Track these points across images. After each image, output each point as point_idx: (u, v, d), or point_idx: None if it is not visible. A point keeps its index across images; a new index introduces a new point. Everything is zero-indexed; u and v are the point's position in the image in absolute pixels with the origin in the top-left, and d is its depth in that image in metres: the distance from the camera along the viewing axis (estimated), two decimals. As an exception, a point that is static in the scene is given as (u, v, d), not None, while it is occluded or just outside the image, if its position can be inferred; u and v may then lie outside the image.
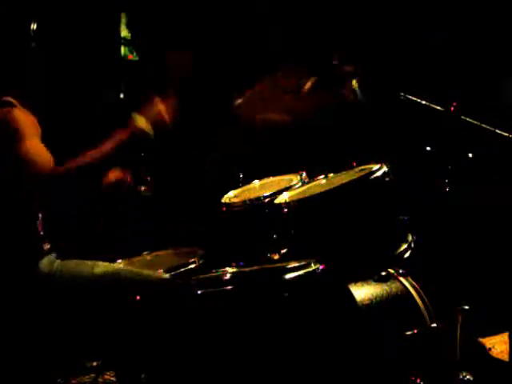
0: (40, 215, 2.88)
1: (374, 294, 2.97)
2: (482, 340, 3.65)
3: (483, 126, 3.13)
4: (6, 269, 2.73)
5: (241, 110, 3.75)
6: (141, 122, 2.81)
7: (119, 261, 3.35)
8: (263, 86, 3.82)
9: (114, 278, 2.81)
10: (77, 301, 2.75)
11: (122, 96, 5.26)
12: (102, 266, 2.88)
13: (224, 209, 3.40)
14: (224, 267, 2.86)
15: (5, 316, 2.71)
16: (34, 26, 2.84)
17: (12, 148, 2.68)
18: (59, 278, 2.77)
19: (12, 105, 2.78)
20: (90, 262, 2.89)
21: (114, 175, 3.12)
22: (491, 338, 3.67)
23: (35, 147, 2.72)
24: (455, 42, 4.66)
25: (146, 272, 2.86)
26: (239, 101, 3.73)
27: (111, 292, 2.76)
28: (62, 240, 2.95)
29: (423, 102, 3.25)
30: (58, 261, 2.83)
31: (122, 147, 2.79)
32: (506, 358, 3.45)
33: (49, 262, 2.80)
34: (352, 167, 3.34)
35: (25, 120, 2.76)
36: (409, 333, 2.93)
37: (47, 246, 2.83)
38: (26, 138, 2.70)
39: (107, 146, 2.79)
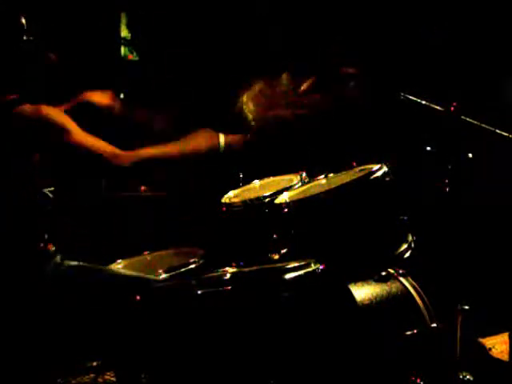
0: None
1: (374, 294, 2.97)
2: (481, 340, 3.65)
3: (483, 125, 3.13)
4: (9, 271, 2.73)
5: (245, 110, 3.75)
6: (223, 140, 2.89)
7: (119, 261, 3.35)
8: (262, 86, 3.82)
9: (118, 284, 2.82)
10: (78, 304, 2.75)
11: (122, 96, 5.26)
12: (106, 272, 2.89)
13: (224, 209, 3.40)
14: (224, 267, 2.86)
15: (7, 317, 2.71)
16: (24, 24, 2.84)
17: (60, 142, 2.74)
18: (63, 283, 2.78)
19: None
20: (95, 268, 2.90)
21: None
22: (491, 338, 3.67)
23: (84, 136, 2.78)
24: (455, 42, 4.66)
25: (148, 276, 2.87)
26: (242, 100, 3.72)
27: (113, 297, 2.76)
28: (66, 241, 2.96)
29: (423, 102, 3.25)
30: (63, 265, 2.83)
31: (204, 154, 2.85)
32: (506, 357, 3.45)
33: (54, 266, 2.80)
34: (352, 167, 3.34)
35: (58, 113, 2.81)
36: (409, 333, 2.93)
37: (52, 248, 2.83)
38: (70, 130, 2.76)
39: (182, 146, 2.86)
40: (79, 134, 2.78)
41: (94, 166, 2.81)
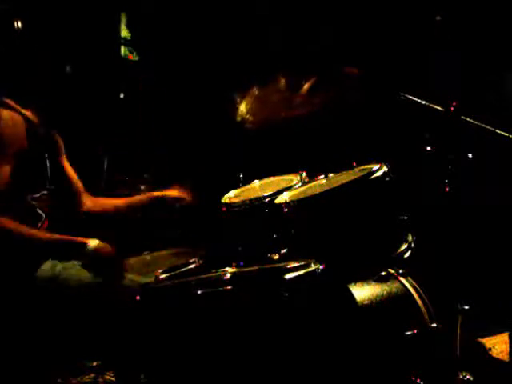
0: (43, 214, 2.88)
1: (374, 294, 2.97)
2: (481, 340, 3.65)
3: (483, 125, 3.13)
4: (7, 271, 2.73)
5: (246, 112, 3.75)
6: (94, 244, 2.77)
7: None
8: (264, 88, 3.83)
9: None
10: (78, 304, 2.75)
11: (121, 96, 5.26)
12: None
13: (224, 209, 3.40)
14: (224, 267, 2.86)
15: (6, 317, 2.71)
16: (19, 25, 2.82)
17: None
18: (61, 283, 2.78)
19: (3, 104, 2.74)
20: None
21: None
22: (491, 338, 3.67)
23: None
24: (455, 41, 4.66)
25: (145, 278, 2.87)
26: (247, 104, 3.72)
27: (112, 295, 2.76)
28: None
29: (423, 102, 3.25)
30: (60, 265, 2.83)
31: (56, 248, 2.76)
32: (506, 358, 3.46)
33: (51, 266, 2.80)
34: (352, 167, 3.34)
35: (4, 130, 2.70)
36: (409, 333, 2.93)
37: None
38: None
39: (46, 237, 2.75)
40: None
41: None
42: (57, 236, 2.76)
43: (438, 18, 4.69)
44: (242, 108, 3.79)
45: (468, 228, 3.49)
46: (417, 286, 3.09)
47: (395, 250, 3.05)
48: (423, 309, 3.02)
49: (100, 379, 3.31)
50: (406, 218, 3.11)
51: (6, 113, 2.73)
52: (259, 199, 3.30)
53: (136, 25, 5.37)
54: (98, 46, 4.98)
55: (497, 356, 3.57)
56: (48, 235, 2.76)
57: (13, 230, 2.67)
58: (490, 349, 3.61)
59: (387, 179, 3.06)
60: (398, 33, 4.71)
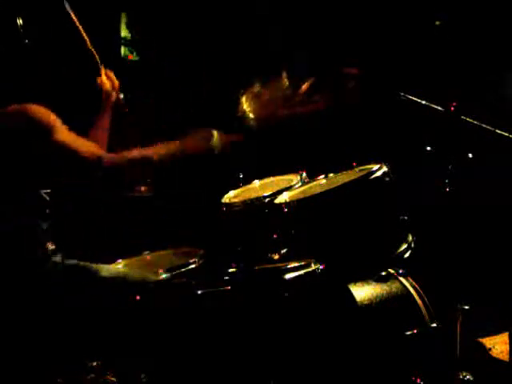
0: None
1: (374, 294, 2.97)
2: (481, 340, 3.65)
3: (483, 125, 3.13)
4: (11, 272, 2.73)
5: (246, 110, 3.75)
6: (216, 139, 2.88)
7: (119, 261, 3.35)
8: (263, 86, 3.83)
9: (117, 281, 2.82)
10: (79, 304, 2.75)
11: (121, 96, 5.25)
12: (105, 271, 2.89)
13: (224, 209, 3.40)
14: (224, 267, 2.86)
15: (6, 317, 2.72)
16: (20, 22, 2.82)
17: (46, 141, 2.67)
18: (64, 283, 2.78)
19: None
20: (94, 267, 2.90)
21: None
22: (491, 338, 3.67)
23: (71, 136, 2.72)
24: (455, 41, 4.66)
25: (146, 275, 2.87)
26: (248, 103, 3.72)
27: (113, 295, 2.77)
28: (66, 240, 2.96)
29: (423, 102, 3.25)
30: (62, 265, 2.84)
31: (189, 156, 2.83)
32: (506, 358, 3.45)
33: (54, 266, 2.80)
34: (352, 167, 3.35)
35: (45, 112, 2.74)
36: (409, 333, 2.93)
37: (52, 247, 2.83)
38: (57, 130, 2.70)
39: (174, 148, 2.84)
40: (66, 134, 2.72)
41: (77, 169, 2.74)
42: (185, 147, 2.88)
43: (438, 22, 4.69)
44: (243, 107, 3.79)
45: (468, 228, 3.49)
46: (417, 286, 3.09)
47: (395, 249, 3.05)
48: (423, 309, 3.02)
49: (100, 379, 3.31)
50: (406, 217, 3.12)
51: (33, 106, 2.75)
52: (259, 199, 3.30)
53: (136, 25, 5.37)
54: (97, 46, 4.98)
55: (497, 356, 3.57)
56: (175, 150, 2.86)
57: (137, 159, 2.76)
58: (489, 349, 3.61)
59: (387, 179, 3.06)
60: (398, 32, 4.71)
